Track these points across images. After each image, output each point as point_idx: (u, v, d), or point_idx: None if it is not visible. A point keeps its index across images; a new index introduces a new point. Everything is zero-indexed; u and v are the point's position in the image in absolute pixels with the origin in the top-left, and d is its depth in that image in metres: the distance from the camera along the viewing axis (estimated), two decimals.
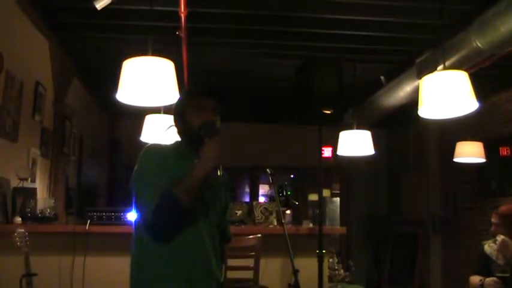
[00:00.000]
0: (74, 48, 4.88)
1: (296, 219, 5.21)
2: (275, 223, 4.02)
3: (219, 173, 1.80)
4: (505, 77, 5.32)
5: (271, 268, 3.58)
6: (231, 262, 3.08)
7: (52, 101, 4.70)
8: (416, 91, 3.68)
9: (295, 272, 3.09)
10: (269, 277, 3.49)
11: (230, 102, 2.04)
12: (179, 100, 2.08)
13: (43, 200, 4.07)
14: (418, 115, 3.14)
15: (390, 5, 3.82)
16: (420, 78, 3.61)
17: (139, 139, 4.25)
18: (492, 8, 3.38)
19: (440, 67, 3.51)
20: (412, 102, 4.21)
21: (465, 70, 3.18)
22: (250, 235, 3.38)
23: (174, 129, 2.01)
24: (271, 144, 7.70)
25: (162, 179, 1.78)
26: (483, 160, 5.35)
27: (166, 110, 3.93)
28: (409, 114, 4.50)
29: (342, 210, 8.56)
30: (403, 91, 4.91)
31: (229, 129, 1.90)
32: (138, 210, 1.84)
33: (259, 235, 3.38)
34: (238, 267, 3.20)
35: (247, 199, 8.41)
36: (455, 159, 5.37)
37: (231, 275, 3.05)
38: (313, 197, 8.22)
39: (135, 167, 1.88)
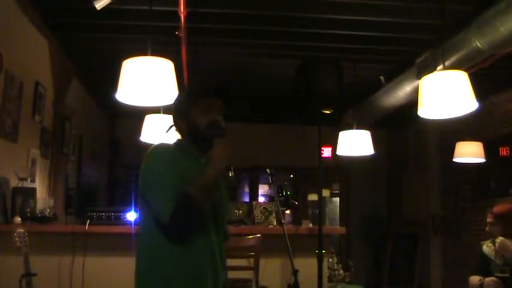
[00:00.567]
0: (74, 48, 4.88)
1: (296, 219, 5.22)
2: (275, 223, 4.01)
3: (230, 174, 1.81)
4: (504, 77, 5.32)
5: (271, 268, 3.57)
6: (231, 262, 3.07)
7: (52, 101, 4.70)
8: (416, 91, 3.67)
9: (295, 272, 3.09)
10: (269, 277, 3.48)
11: (232, 100, 2.02)
12: (181, 100, 2.02)
13: (43, 200, 4.07)
14: (417, 115, 3.14)
15: (390, 5, 3.82)
16: (420, 78, 3.61)
17: (139, 139, 4.25)
18: (492, 8, 3.38)
19: (440, 67, 3.52)
20: (412, 102, 4.21)
21: (465, 70, 3.18)
22: (249, 235, 3.37)
23: (174, 129, 1.98)
24: (271, 144, 7.70)
25: (174, 179, 1.76)
26: (483, 160, 5.35)
27: (166, 110, 3.92)
28: (409, 114, 4.50)
29: (342, 210, 8.56)
30: (403, 91, 4.91)
31: (229, 129, 1.88)
32: (153, 212, 1.78)
33: (259, 235, 3.38)
34: (238, 267, 3.19)
35: (247, 199, 8.41)
36: (455, 159, 5.37)
37: (231, 275, 3.03)
38: (313, 197, 8.23)
39: (143, 168, 1.84)
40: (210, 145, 1.82)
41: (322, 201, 4.04)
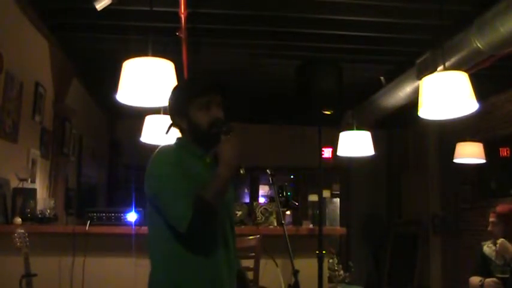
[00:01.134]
0: (74, 49, 4.88)
1: (296, 220, 5.20)
2: (275, 224, 4.01)
3: (242, 172, 1.72)
4: (505, 77, 5.32)
5: (271, 269, 3.57)
6: None
7: (52, 102, 4.70)
8: (416, 92, 3.68)
9: (295, 272, 3.08)
10: (269, 278, 3.48)
11: (231, 95, 1.96)
12: (177, 97, 1.91)
13: (43, 200, 4.07)
14: (418, 116, 3.14)
15: (390, 6, 3.82)
16: (420, 78, 3.61)
17: (139, 140, 4.25)
18: (492, 9, 3.38)
19: (440, 68, 3.52)
20: (412, 103, 4.21)
21: (465, 71, 3.18)
22: (250, 236, 3.37)
23: (174, 129, 1.93)
24: (271, 144, 7.70)
25: (186, 184, 1.69)
26: (483, 161, 5.35)
27: (166, 110, 3.92)
28: (409, 114, 4.50)
29: (342, 210, 8.56)
30: (403, 92, 4.91)
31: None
32: (167, 220, 1.71)
33: (259, 236, 3.38)
34: None
35: (247, 200, 8.41)
36: (455, 160, 5.37)
37: None
38: (313, 197, 8.22)
39: (150, 173, 1.78)
40: (213, 143, 1.77)
41: (322, 202, 4.05)
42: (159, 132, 4.03)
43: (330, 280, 4.09)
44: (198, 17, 3.96)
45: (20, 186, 3.69)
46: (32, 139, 4.24)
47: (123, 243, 3.48)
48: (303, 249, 3.54)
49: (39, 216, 3.59)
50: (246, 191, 8.72)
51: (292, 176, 8.69)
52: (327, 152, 7.12)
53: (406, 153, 7.96)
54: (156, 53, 2.94)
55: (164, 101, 3.01)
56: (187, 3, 3.59)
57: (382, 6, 3.83)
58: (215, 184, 1.68)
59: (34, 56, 4.32)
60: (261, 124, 7.73)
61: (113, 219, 3.53)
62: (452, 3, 3.59)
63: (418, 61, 4.37)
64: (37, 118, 4.28)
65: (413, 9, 3.87)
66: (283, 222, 3.32)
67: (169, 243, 1.72)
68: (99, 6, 3.32)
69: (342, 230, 4.50)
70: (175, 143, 1.89)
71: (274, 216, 4.04)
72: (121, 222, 3.52)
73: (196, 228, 1.66)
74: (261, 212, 4.04)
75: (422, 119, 3.26)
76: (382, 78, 5.34)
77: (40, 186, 4.38)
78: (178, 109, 1.88)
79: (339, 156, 5.29)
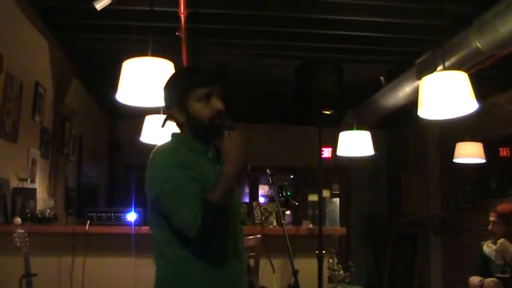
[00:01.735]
0: (74, 49, 4.88)
1: (296, 220, 5.20)
2: (275, 224, 4.01)
3: (248, 169, 1.64)
4: (504, 77, 5.32)
5: (271, 269, 3.57)
6: None
7: (52, 102, 4.70)
8: (416, 92, 3.67)
9: (295, 272, 3.08)
10: (269, 277, 3.48)
11: (231, 94, 1.84)
12: (174, 87, 1.77)
13: (43, 200, 4.07)
14: (417, 116, 3.14)
15: (390, 6, 3.82)
16: (420, 78, 3.61)
17: (139, 140, 4.24)
18: (492, 9, 3.38)
19: (440, 67, 3.52)
20: (412, 103, 4.21)
21: (465, 71, 3.18)
22: (250, 236, 3.37)
23: (171, 123, 1.80)
24: (271, 144, 7.69)
25: (192, 185, 1.59)
26: (483, 161, 5.35)
27: (165, 111, 3.92)
28: (409, 114, 4.50)
29: (342, 210, 8.54)
30: (403, 92, 4.91)
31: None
32: (174, 224, 1.61)
33: (259, 236, 3.38)
34: None
35: (246, 199, 8.40)
36: (455, 160, 5.37)
37: None
38: (313, 197, 8.17)
39: (151, 175, 1.67)
40: (214, 136, 1.71)
41: (322, 202, 4.04)
42: (159, 132, 4.03)
43: (330, 280, 4.08)
44: (198, 17, 3.95)
45: (20, 186, 3.69)
46: (32, 139, 4.24)
47: (123, 243, 3.48)
48: (303, 249, 3.55)
49: (39, 216, 3.59)
50: (245, 190, 8.72)
51: (292, 176, 8.69)
52: (326, 152, 7.12)
53: (406, 153, 7.96)
54: (156, 53, 2.93)
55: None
56: (187, 3, 3.59)
57: (382, 6, 3.84)
58: (222, 185, 1.56)
59: (34, 56, 4.32)
60: (261, 124, 7.72)
61: (113, 219, 3.53)
62: (452, 3, 3.59)
63: (418, 61, 4.37)
64: (37, 118, 4.28)
65: (413, 9, 3.87)
66: (283, 222, 3.32)
67: (177, 247, 1.63)
68: (99, 6, 3.32)
69: (342, 230, 4.50)
70: (173, 140, 1.77)
71: (274, 216, 4.04)
72: (121, 222, 3.52)
73: (207, 233, 1.57)
74: (260, 211, 4.04)
75: (422, 119, 3.25)
76: (382, 78, 5.34)
77: (40, 186, 4.38)
78: (175, 100, 1.74)
79: (338, 156, 5.29)
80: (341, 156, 5.29)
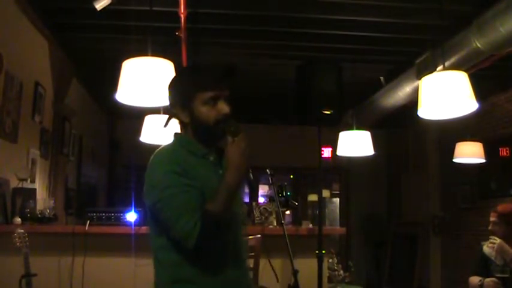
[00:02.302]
0: (74, 49, 4.88)
1: (296, 220, 5.21)
2: (275, 224, 4.01)
3: (250, 176, 1.64)
4: (504, 77, 5.32)
5: (271, 269, 3.57)
6: None
7: (52, 102, 4.70)
8: (415, 91, 3.68)
9: (295, 272, 3.08)
10: (269, 277, 3.48)
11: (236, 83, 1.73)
12: (180, 87, 1.74)
13: (43, 200, 4.07)
14: (417, 115, 3.14)
15: (390, 6, 3.82)
16: (420, 78, 3.61)
17: (138, 139, 4.25)
18: (492, 9, 3.38)
19: (439, 67, 3.52)
20: (412, 103, 4.22)
21: (465, 70, 3.18)
22: (249, 236, 3.37)
23: (174, 123, 1.78)
24: (271, 144, 7.69)
25: (191, 193, 1.57)
26: (483, 161, 5.35)
27: (166, 110, 3.92)
28: (409, 114, 4.50)
29: (342, 210, 8.56)
30: (403, 91, 4.91)
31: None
32: (172, 234, 1.58)
33: (259, 236, 3.38)
34: None
35: (246, 199, 8.40)
36: (454, 160, 5.37)
37: None
38: (313, 197, 8.22)
39: (150, 181, 1.64)
40: (217, 139, 1.68)
41: (322, 202, 4.05)
42: (159, 132, 4.03)
43: (330, 280, 4.09)
44: (197, 17, 3.95)
45: (20, 186, 3.69)
46: (32, 139, 4.24)
47: (122, 243, 3.48)
48: (303, 249, 3.54)
49: (39, 216, 3.59)
50: (245, 190, 8.72)
51: (292, 176, 8.69)
52: (326, 152, 7.13)
53: (406, 153, 7.96)
54: (156, 53, 2.93)
55: (164, 101, 3.03)
56: (187, 3, 3.59)
57: (382, 6, 3.84)
58: (223, 195, 1.54)
59: (34, 56, 4.32)
60: (260, 124, 7.72)
61: (113, 219, 3.53)
62: (452, 3, 3.59)
63: (417, 61, 4.37)
64: (37, 118, 4.28)
65: (413, 9, 3.87)
66: (282, 222, 3.32)
67: (172, 252, 1.61)
68: (98, 6, 3.32)
69: (342, 230, 4.51)
70: (174, 143, 1.74)
71: (273, 216, 4.04)
72: (121, 222, 3.52)
73: (205, 244, 1.54)
74: (260, 211, 4.04)
75: (422, 119, 3.25)
76: (382, 78, 5.34)
77: (40, 186, 4.38)
78: (180, 100, 1.71)
79: (338, 156, 5.29)
80: (341, 156, 5.29)
